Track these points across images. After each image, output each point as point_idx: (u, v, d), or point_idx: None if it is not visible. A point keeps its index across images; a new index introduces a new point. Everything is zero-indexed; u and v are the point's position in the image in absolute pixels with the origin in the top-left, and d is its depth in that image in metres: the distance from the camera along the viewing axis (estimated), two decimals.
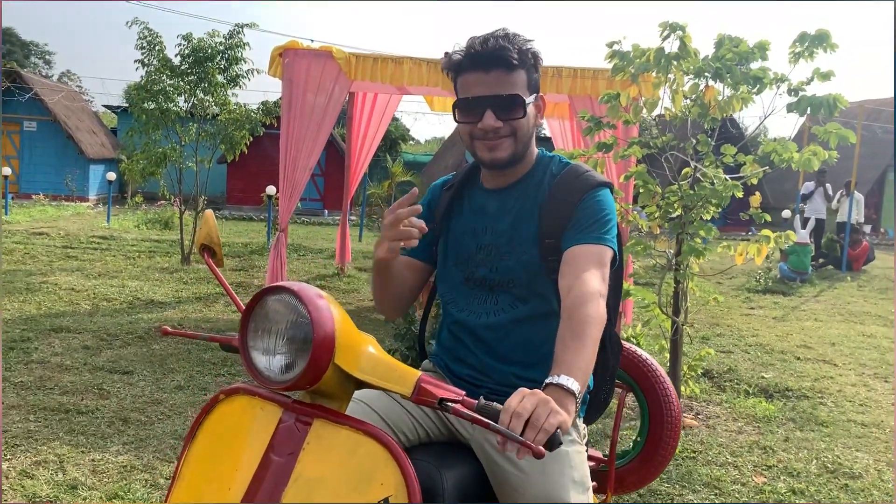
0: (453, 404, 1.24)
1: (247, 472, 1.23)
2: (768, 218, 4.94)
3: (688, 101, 4.94)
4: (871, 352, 7.05)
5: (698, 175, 4.97)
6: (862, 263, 13.34)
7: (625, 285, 5.21)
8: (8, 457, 3.57)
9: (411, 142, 34.71)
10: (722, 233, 8.75)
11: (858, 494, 3.74)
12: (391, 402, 1.71)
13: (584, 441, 1.82)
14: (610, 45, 4.75)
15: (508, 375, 1.74)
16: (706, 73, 4.66)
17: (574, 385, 1.36)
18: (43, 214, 15.99)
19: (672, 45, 4.61)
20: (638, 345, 6.54)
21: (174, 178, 10.63)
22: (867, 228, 18.06)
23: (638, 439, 2.23)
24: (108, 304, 7.39)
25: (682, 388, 5.14)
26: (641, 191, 5.16)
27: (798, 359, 6.66)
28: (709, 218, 5.05)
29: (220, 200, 21.11)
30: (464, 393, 1.28)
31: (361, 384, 1.30)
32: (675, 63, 4.60)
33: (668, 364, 5.20)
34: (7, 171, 16.23)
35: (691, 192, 4.89)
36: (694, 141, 5.00)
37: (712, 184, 4.84)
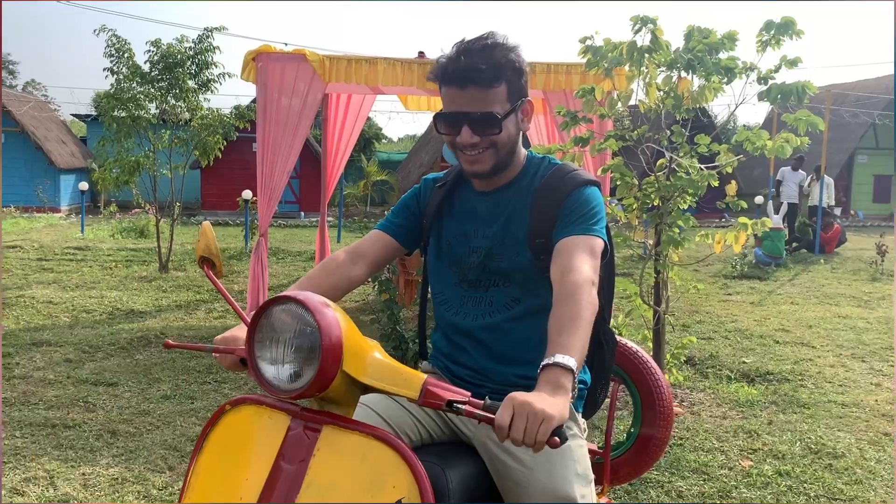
0: (462, 405, 1.26)
1: (258, 481, 1.24)
2: (744, 205, 5.02)
3: (661, 93, 5.00)
4: (847, 332, 7.19)
5: (674, 166, 5.04)
6: (834, 246, 13.57)
7: None
8: None
9: (385, 140, 34.62)
10: (696, 220, 8.85)
11: (842, 473, 3.83)
12: (393, 405, 1.73)
13: (585, 435, 1.85)
14: (583, 40, 4.80)
15: (508, 376, 1.76)
16: (678, 65, 4.73)
17: (571, 362, 1.38)
18: (15, 227, 15.75)
19: (644, 39, 4.67)
20: (620, 335, 6.62)
21: (149, 186, 10.53)
22: (838, 211, 18.35)
23: (632, 430, 2.27)
24: (88, 315, 7.31)
25: (667, 377, 5.21)
26: (619, 183, 5.22)
27: (777, 342, 6.78)
28: (685, 207, 5.12)
29: (194, 206, 20.93)
30: (469, 394, 1.31)
31: (368, 389, 1.32)
32: (647, 56, 4.66)
33: (652, 353, 5.27)
34: None
35: (668, 182, 4.95)
36: (668, 132, 5.07)
37: (688, 174, 4.92)
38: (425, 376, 1.30)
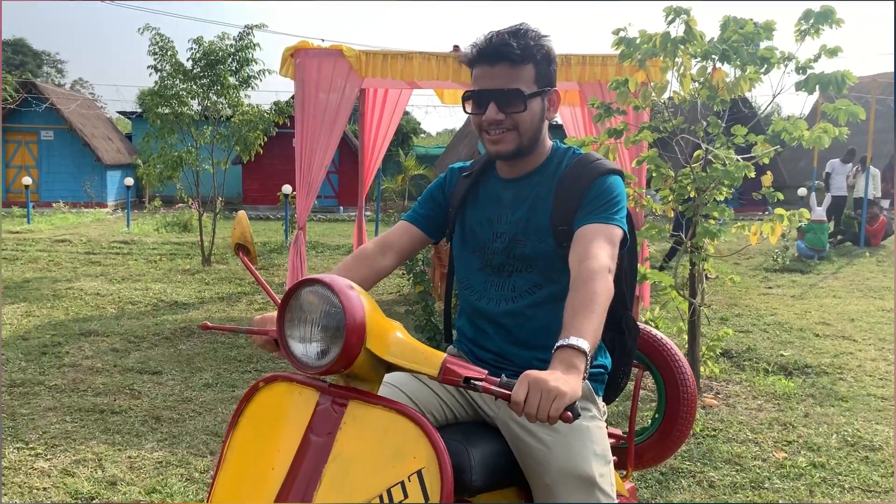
0: (479, 382, 1.33)
1: (288, 453, 1.32)
2: (781, 196, 4.97)
3: (696, 84, 4.98)
4: (890, 326, 7.06)
5: (710, 157, 5.01)
6: (880, 239, 13.27)
7: (641, 269, 5.28)
8: (48, 456, 3.70)
9: (423, 135, 34.77)
10: (738, 213, 8.72)
11: (879, 466, 3.79)
12: (419, 385, 1.80)
13: (605, 418, 1.89)
14: (616, 32, 4.80)
15: (531, 360, 1.80)
16: (713, 56, 4.70)
17: (584, 344, 1.44)
18: (64, 222, 16.23)
19: (678, 30, 4.65)
20: (656, 328, 6.60)
21: (191, 181, 10.78)
22: (885, 203, 17.90)
23: (656, 416, 2.30)
24: (134, 307, 7.54)
25: (702, 369, 5.19)
26: (654, 175, 5.21)
27: (817, 336, 6.69)
28: (722, 199, 5.09)
29: (236, 201, 21.29)
30: (486, 372, 1.37)
31: (391, 367, 1.39)
32: (681, 47, 4.64)
33: (687, 345, 5.26)
34: (27, 180, 16.49)
35: (703, 174, 4.93)
36: (705, 123, 5.04)
37: (724, 165, 4.89)
38: (445, 355, 1.37)
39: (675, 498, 3.40)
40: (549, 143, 1.92)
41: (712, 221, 5.00)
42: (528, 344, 1.83)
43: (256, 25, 10.53)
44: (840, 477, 3.66)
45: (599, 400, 1.88)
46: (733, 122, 5.11)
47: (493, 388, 1.33)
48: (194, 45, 10.21)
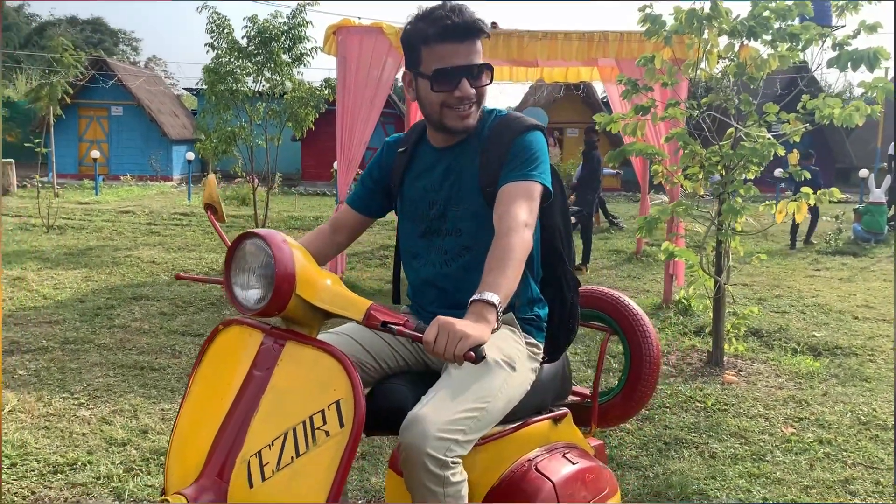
0: (395, 326, 1.48)
1: (235, 385, 1.51)
2: (807, 175, 4.93)
3: (725, 61, 4.96)
4: None
5: (741, 135, 4.99)
6: None
7: (669, 247, 5.32)
8: (90, 406, 4.02)
9: None
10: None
11: (887, 444, 3.79)
12: (373, 335, 1.96)
13: (541, 359, 2.01)
14: (642, 9, 4.81)
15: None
16: (740, 32, 4.67)
17: (494, 298, 1.57)
18: (130, 194, 16.95)
19: (703, 6, 4.64)
20: (689, 306, 6.62)
21: (246, 156, 11.15)
22: None
23: (622, 378, 2.41)
24: (186, 274, 7.91)
25: (726, 347, 5.21)
26: (684, 151, 5.22)
27: (856, 318, 6.59)
28: (752, 178, 5.07)
29: (295, 177, 21.81)
30: (405, 318, 1.52)
31: (329, 315, 1.55)
32: (706, 23, 4.63)
33: (712, 323, 5.29)
34: (96, 154, 17.26)
35: (731, 151, 4.92)
36: (736, 101, 5.02)
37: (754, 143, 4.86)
38: (371, 303, 1.52)
39: (673, 466, 3.49)
40: None
41: (738, 200, 4.99)
42: (462, 305, 1.87)
43: (309, 3, 10.76)
44: (845, 453, 3.68)
45: (536, 342, 2.00)
46: (792, 99, 5.01)
47: (406, 330, 1.49)
48: (249, 23, 10.50)
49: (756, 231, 6.18)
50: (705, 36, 4.76)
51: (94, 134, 21.53)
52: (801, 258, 10.13)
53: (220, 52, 10.43)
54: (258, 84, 10.87)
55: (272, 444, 1.41)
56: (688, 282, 6.91)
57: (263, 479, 1.39)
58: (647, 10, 4.79)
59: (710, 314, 5.36)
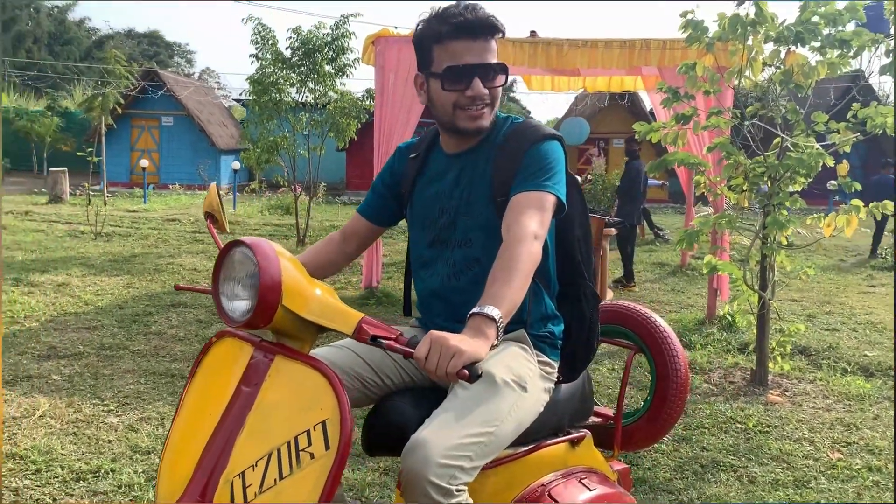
0: (385, 340, 1.40)
1: (223, 401, 1.44)
2: (858, 187, 4.71)
3: (771, 68, 4.78)
4: None
5: (788, 145, 4.80)
6: None
7: (712, 260, 5.14)
8: (119, 413, 4.03)
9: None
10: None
11: None
12: (377, 350, 1.87)
13: (556, 379, 1.89)
14: (684, 14, 4.67)
15: None
16: (787, 38, 4.50)
17: (495, 312, 1.48)
18: (177, 202, 17.26)
19: (748, 11, 4.48)
20: (733, 322, 6.40)
21: (289, 166, 11.24)
22: None
23: (647, 398, 2.28)
24: None
25: (770, 365, 5.00)
26: (727, 162, 5.04)
27: None
28: (799, 189, 4.87)
29: (340, 187, 21.97)
30: (399, 332, 1.43)
31: (323, 329, 1.48)
32: (751, 29, 4.47)
33: (756, 340, 5.08)
34: (145, 163, 17.66)
35: (777, 162, 4.74)
36: (782, 109, 4.83)
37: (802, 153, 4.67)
38: (363, 315, 1.44)
39: (709, 490, 3.33)
40: None
41: (784, 212, 4.79)
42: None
43: (352, 15, 10.83)
44: None
45: (550, 360, 1.89)
46: (846, 108, 4.79)
47: (397, 345, 1.40)
48: (293, 35, 10.61)
49: (804, 245, 5.93)
50: (749, 42, 4.59)
51: (146, 143, 22.05)
52: (855, 273, 9.76)
53: (264, 62, 10.57)
54: (301, 94, 10.97)
55: (255, 465, 1.34)
56: (732, 297, 6.68)
57: (246, 501, 1.32)
58: (689, 16, 4.64)
59: (755, 331, 5.16)
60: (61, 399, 4.18)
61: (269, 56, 10.64)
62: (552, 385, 1.88)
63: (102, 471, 3.30)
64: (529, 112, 53.45)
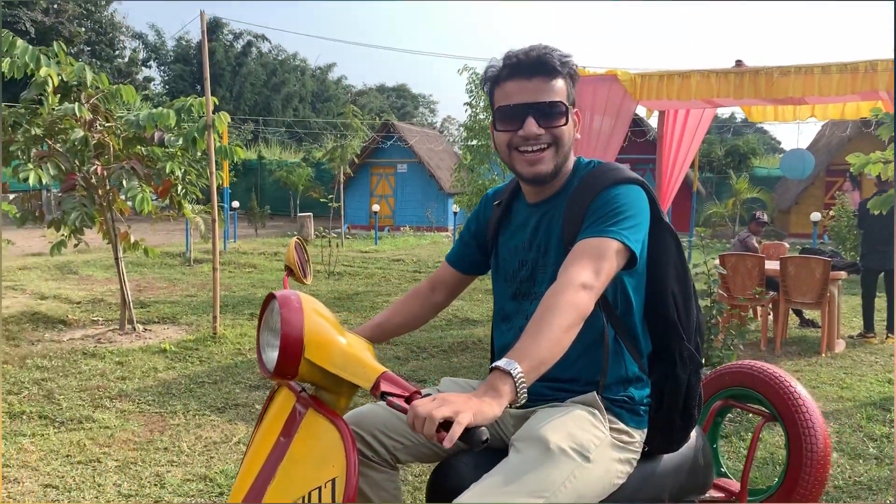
0: (390, 396, 1.35)
1: (266, 451, 1.50)
2: None
3: None
4: None
5: None
6: None
7: None
8: None
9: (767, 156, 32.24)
10: None
11: None
12: None
13: (639, 449, 1.72)
14: None
15: (541, 390, 1.70)
16: None
17: (512, 366, 1.36)
18: (405, 244, 18.32)
19: None
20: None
21: None
22: None
23: (781, 474, 1.98)
24: (431, 321, 8.26)
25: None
26: None
27: None
28: None
29: None
30: (415, 389, 1.38)
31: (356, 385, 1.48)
32: None
33: None
34: (376, 207, 19.01)
35: None
36: None
37: None
38: (384, 370, 1.41)
39: None
40: (573, 160, 1.83)
41: None
42: (548, 378, 1.64)
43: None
44: None
45: (627, 427, 1.71)
46: None
47: (394, 401, 1.35)
48: None
49: None
50: None
51: (383, 189, 23.78)
52: None
53: (475, 109, 10.97)
54: None
55: None
56: None
57: None
58: None
59: None
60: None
61: (480, 104, 11.03)
62: (634, 456, 1.71)
63: None
64: (780, 142, 49.93)
